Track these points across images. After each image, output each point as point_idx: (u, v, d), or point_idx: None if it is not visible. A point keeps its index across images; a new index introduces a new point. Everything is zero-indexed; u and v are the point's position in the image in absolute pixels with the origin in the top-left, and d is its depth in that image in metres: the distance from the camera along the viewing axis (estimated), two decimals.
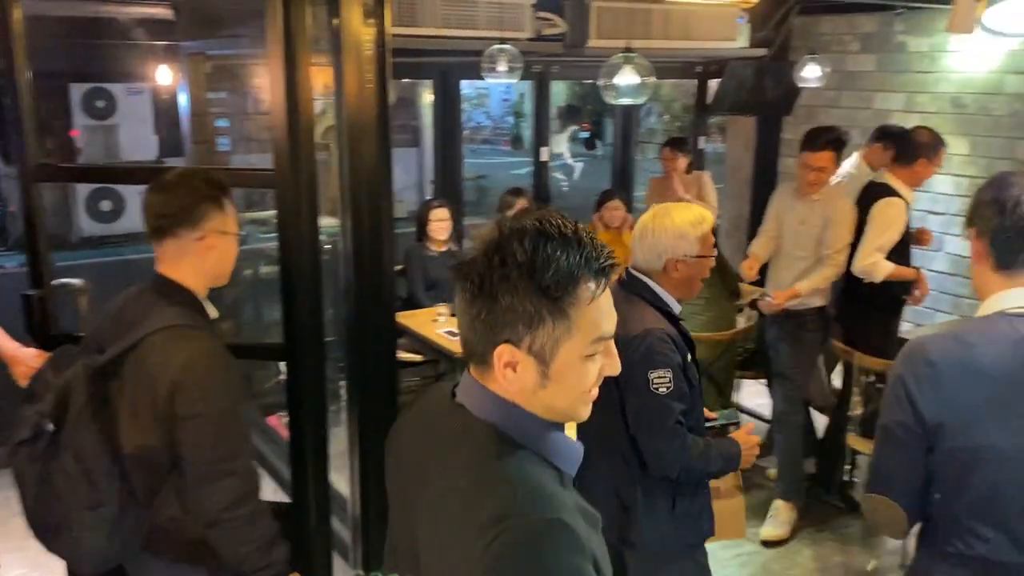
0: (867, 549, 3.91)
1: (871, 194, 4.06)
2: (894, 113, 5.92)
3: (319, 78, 2.65)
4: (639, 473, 2.35)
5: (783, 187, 4.34)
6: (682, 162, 5.62)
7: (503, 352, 1.13)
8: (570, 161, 16.24)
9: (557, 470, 1.17)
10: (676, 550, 2.42)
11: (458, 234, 5.66)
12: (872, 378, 3.64)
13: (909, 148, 4.10)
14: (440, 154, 5.59)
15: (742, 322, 4.42)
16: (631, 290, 2.41)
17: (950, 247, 5.56)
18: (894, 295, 4.08)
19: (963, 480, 1.54)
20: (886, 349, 3.68)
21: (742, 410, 4.88)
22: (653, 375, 2.24)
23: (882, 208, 3.91)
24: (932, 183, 5.67)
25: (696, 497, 2.42)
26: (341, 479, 3.04)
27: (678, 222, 2.38)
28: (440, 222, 4.89)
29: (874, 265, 3.85)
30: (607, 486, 2.38)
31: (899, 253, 3.96)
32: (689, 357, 2.37)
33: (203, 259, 2.08)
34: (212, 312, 2.15)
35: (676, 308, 2.41)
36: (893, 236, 3.91)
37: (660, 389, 2.24)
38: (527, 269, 1.09)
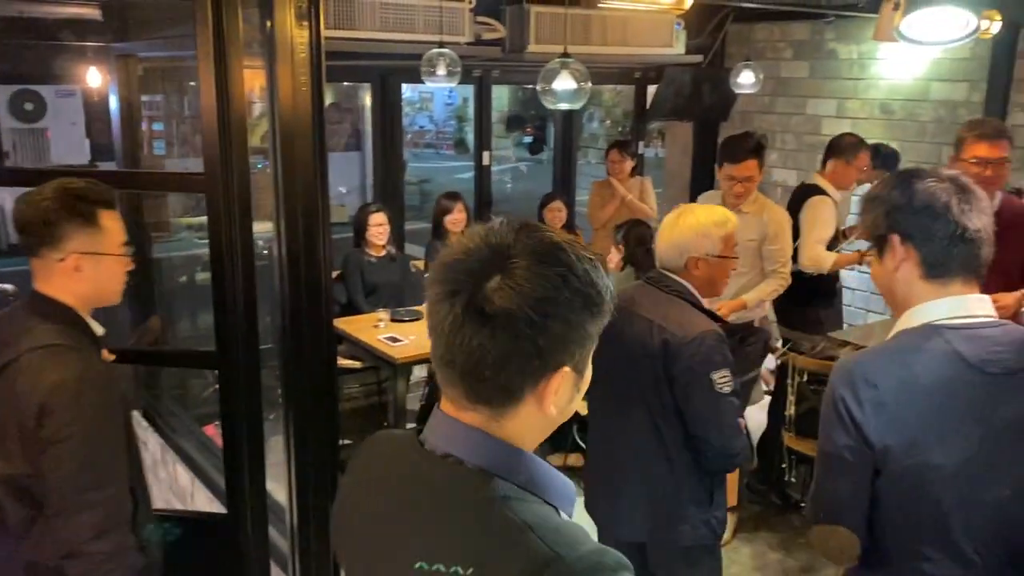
0: (805, 548, 3.99)
1: (802, 195, 4.25)
2: (826, 119, 6.08)
3: (253, 81, 2.60)
4: (685, 471, 2.37)
5: (713, 199, 4.15)
6: (628, 165, 5.71)
7: (563, 376, 1.00)
8: (521, 166, 16.32)
9: (557, 512, 1.03)
10: (709, 543, 2.46)
11: (398, 239, 5.64)
12: (806, 378, 3.72)
13: (829, 152, 4.33)
14: (380, 158, 5.56)
15: None
16: (671, 291, 2.41)
17: None
18: (830, 287, 4.33)
19: (909, 500, 1.49)
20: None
21: None
22: (716, 376, 2.27)
23: (811, 204, 4.12)
24: (863, 186, 5.84)
25: (723, 489, 2.49)
26: (281, 488, 2.99)
27: (702, 220, 2.40)
28: (378, 227, 4.85)
29: (819, 256, 4.03)
30: (639, 489, 2.42)
31: (831, 250, 4.16)
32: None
33: (71, 280, 1.90)
34: (98, 330, 1.98)
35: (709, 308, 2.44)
36: (828, 230, 4.09)
37: (724, 388, 2.28)
38: (584, 285, 0.98)
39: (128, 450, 1.96)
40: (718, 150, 3.99)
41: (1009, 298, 3.06)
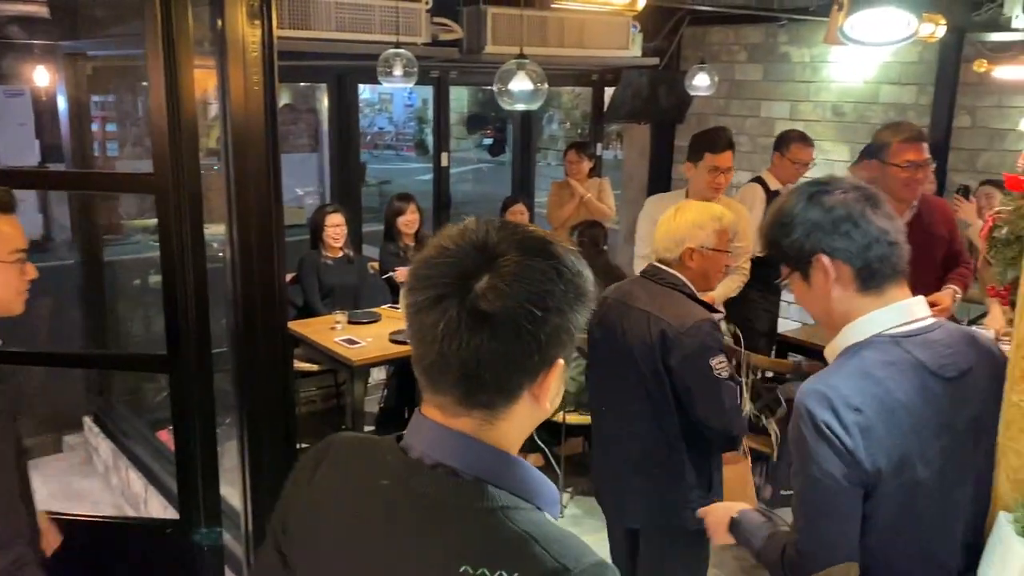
0: None
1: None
2: (779, 121, 6.17)
3: (208, 81, 2.57)
4: (685, 458, 2.46)
5: (663, 200, 4.15)
6: (586, 165, 5.74)
7: (557, 369, 0.98)
8: (482, 167, 16.32)
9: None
10: (703, 528, 2.49)
11: (356, 240, 5.60)
12: (759, 375, 3.77)
13: (774, 146, 4.59)
14: (337, 159, 5.51)
15: None
16: (665, 283, 2.48)
17: None
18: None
19: (898, 518, 1.45)
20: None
21: None
22: (714, 362, 2.36)
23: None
24: None
25: (721, 474, 2.56)
26: (237, 493, 2.95)
27: (699, 213, 2.50)
28: (335, 228, 4.81)
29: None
30: (642, 478, 2.50)
31: None
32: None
33: None
34: None
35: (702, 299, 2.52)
36: (758, 214, 4.29)
37: (722, 374, 2.37)
38: (575, 276, 0.97)
39: (17, 465, 1.88)
40: (693, 144, 3.88)
41: (946, 299, 3.14)
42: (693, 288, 2.48)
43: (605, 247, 4.46)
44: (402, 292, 1.02)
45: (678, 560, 2.58)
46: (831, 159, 5.93)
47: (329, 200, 5.69)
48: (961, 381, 1.47)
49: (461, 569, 0.91)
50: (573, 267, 0.98)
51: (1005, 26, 4.65)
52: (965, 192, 4.52)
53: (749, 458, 3.04)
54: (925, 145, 3.18)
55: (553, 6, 2.94)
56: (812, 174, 5.86)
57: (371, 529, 1.01)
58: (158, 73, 2.33)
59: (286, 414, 2.72)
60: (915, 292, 3.18)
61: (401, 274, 4.70)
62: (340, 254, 4.87)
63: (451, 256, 0.96)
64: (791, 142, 4.55)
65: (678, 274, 2.48)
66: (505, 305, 0.92)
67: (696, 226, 2.47)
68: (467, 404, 0.98)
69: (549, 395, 0.99)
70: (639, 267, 3.74)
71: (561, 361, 0.99)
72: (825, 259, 1.50)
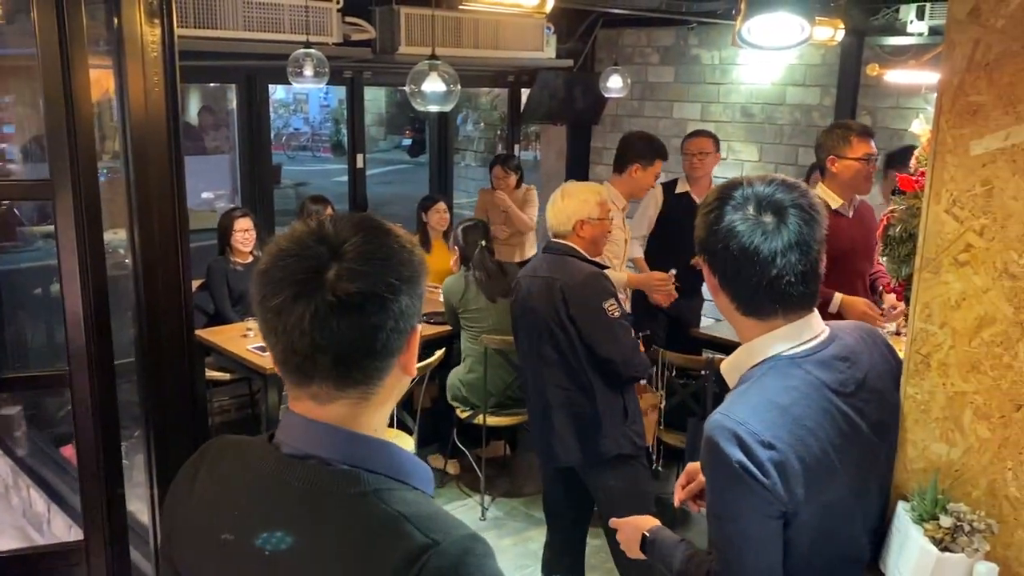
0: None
1: None
2: (691, 122, 6.29)
3: (108, 82, 2.48)
4: (599, 394, 2.85)
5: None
6: (512, 179, 5.70)
7: (416, 334, 1.04)
8: (401, 168, 16.20)
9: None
10: (629, 452, 2.89)
11: (265, 244, 5.46)
12: (675, 372, 3.83)
13: (624, 154, 4.02)
14: (248, 161, 5.37)
15: None
16: (560, 252, 2.92)
17: None
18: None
19: (818, 541, 1.42)
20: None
21: None
22: (605, 304, 2.79)
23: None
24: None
25: (635, 401, 2.98)
26: (146, 510, 2.85)
27: (581, 191, 2.97)
28: (244, 232, 4.67)
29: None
30: (565, 418, 2.90)
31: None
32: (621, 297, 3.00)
33: None
34: None
35: (602, 262, 3.01)
36: (639, 224, 4.56)
37: (614, 314, 2.80)
38: (412, 246, 1.04)
39: None
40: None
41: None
42: (585, 254, 2.92)
43: (486, 246, 4.42)
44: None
45: (618, 484, 2.91)
46: (741, 159, 6.09)
47: (239, 203, 5.54)
48: (860, 391, 1.45)
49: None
50: (406, 239, 1.04)
51: (901, 30, 4.86)
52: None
53: (660, 391, 3.70)
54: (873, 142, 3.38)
55: (463, 7, 2.92)
56: (722, 171, 6.02)
57: (252, 529, 1.01)
58: (51, 73, 2.22)
59: (196, 425, 2.63)
60: (856, 282, 3.23)
61: None
62: (250, 259, 4.73)
63: (295, 254, 0.99)
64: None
65: (571, 244, 2.92)
66: (364, 284, 0.97)
67: (581, 201, 2.92)
68: (343, 387, 1.01)
69: (414, 361, 1.05)
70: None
71: (419, 325, 1.05)
72: (707, 269, 1.46)
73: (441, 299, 4.34)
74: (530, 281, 2.94)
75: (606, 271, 3.00)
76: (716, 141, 4.63)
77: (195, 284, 4.58)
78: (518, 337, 3.05)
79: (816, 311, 1.47)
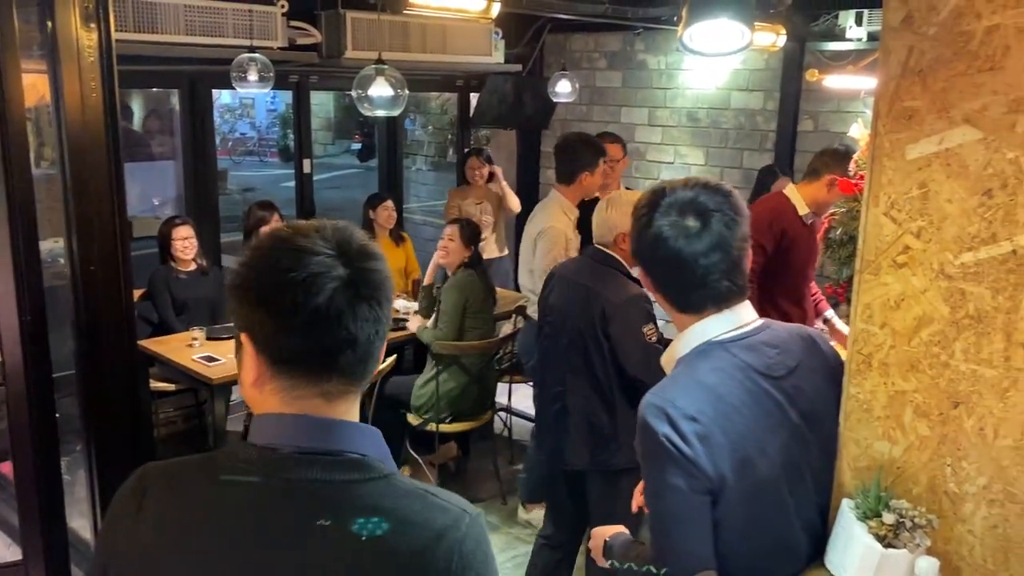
0: None
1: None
2: (639, 127, 6.36)
3: (39, 87, 2.41)
4: (619, 409, 2.84)
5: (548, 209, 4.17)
6: (486, 170, 5.80)
7: None
8: (350, 173, 16.06)
9: None
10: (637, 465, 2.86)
11: (214, 251, 5.36)
12: None
13: (571, 162, 3.85)
14: (192, 167, 5.27)
15: (508, 328, 4.54)
16: (606, 264, 2.91)
17: None
18: None
19: (748, 519, 1.47)
20: None
21: (513, 412, 5.01)
22: (645, 329, 2.77)
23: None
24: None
25: None
26: (88, 526, 2.78)
27: (627, 202, 2.85)
28: (184, 240, 4.55)
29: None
30: (583, 425, 2.91)
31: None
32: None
33: None
34: None
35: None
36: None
37: (652, 339, 2.78)
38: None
39: None
40: (590, 152, 3.84)
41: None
42: (627, 266, 2.89)
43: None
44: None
45: (620, 496, 2.89)
46: (688, 163, 6.17)
47: (184, 209, 5.43)
48: (790, 378, 1.51)
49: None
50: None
51: (841, 36, 4.98)
52: (771, 173, 4.64)
53: None
54: None
55: (409, 12, 2.90)
56: (671, 175, 6.09)
57: (241, 538, 0.99)
58: None
59: (139, 438, 2.58)
60: (802, 287, 3.27)
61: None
62: (192, 267, 4.63)
63: (308, 250, 1.00)
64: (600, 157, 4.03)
65: (614, 254, 2.90)
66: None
67: (623, 214, 2.83)
68: (356, 381, 1.05)
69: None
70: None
71: None
72: (641, 271, 1.57)
73: (444, 318, 4.22)
74: (568, 284, 2.94)
75: None
76: (624, 146, 4.44)
77: (138, 293, 4.49)
78: (542, 329, 3.05)
79: (748, 302, 1.55)
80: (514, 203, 5.86)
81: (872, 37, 4.84)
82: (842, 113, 5.42)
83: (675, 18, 4.79)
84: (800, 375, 1.52)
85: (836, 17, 4.98)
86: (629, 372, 2.81)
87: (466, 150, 6.22)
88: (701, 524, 1.43)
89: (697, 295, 1.50)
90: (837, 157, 3.28)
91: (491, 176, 5.86)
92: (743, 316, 1.53)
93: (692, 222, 1.46)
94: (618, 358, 2.82)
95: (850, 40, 4.93)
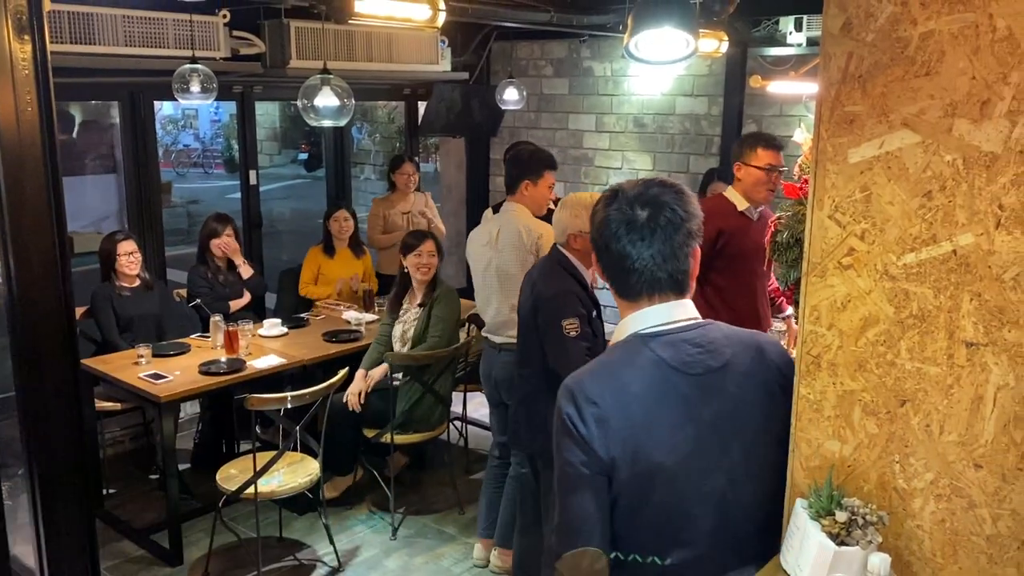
0: None
1: None
2: (587, 133, 6.41)
3: None
4: (551, 396, 2.84)
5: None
6: (417, 178, 5.76)
7: None
8: (298, 183, 15.88)
9: None
10: None
11: (159, 265, 5.26)
12: None
13: (511, 173, 3.81)
14: (134, 180, 5.15)
15: (462, 337, 4.52)
16: (557, 260, 3.06)
17: None
18: None
19: (641, 505, 1.53)
20: None
21: (468, 422, 4.99)
22: (566, 323, 2.88)
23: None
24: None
25: None
26: (31, 553, 2.70)
27: (574, 204, 3.04)
28: (128, 255, 4.44)
29: None
30: (528, 411, 3.08)
31: None
32: (594, 313, 3.01)
33: None
34: None
35: (587, 276, 3.05)
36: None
37: (572, 333, 2.88)
38: None
39: None
40: (531, 161, 3.79)
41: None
42: (580, 264, 3.03)
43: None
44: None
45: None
46: (635, 168, 6.23)
47: (127, 223, 5.30)
48: (708, 377, 1.54)
49: None
50: None
51: (781, 41, 5.07)
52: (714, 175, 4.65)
53: None
54: (782, 155, 3.50)
55: (354, 22, 2.88)
56: (619, 179, 6.14)
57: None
58: None
59: (83, 461, 2.50)
60: (755, 283, 3.35)
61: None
62: (137, 282, 4.52)
63: None
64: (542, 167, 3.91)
65: (567, 254, 3.05)
66: None
67: (573, 215, 3.01)
68: None
69: None
70: None
71: None
72: (594, 256, 1.66)
73: (442, 324, 4.21)
74: (526, 281, 3.14)
75: None
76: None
77: (80, 311, 4.37)
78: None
79: (690, 300, 1.61)
80: (439, 231, 5.80)
81: (812, 42, 4.95)
82: (785, 117, 5.53)
83: (620, 26, 4.84)
84: (724, 377, 1.55)
85: (776, 23, 5.07)
86: (549, 361, 2.95)
87: (396, 155, 6.15)
88: (593, 500, 1.51)
89: (634, 283, 1.58)
90: (737, 146, 3.55)
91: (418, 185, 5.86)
92: (675, 313, 1.58)
93: (639, 212, 1.55)
94: (543, 347, 2.96)
95: (791, 45, 5.03)
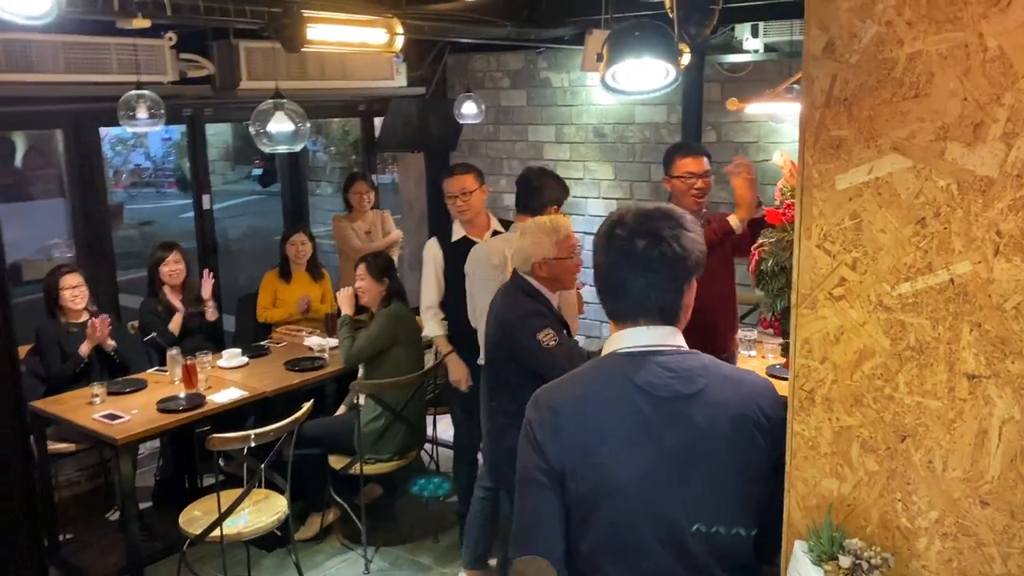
0: None
1: None
2: (547, 144, 6.34)
3: None
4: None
5: (437, 247, 4.11)
6: (372, 196, 5.63)
7: None
8: (256, 200, 15.61)
9: None
10: None
11: (111, 293, 5.06)
12: None
13: (540, 196, 3.79)
14: (82, 206, 4.96)
15: (430, 360, 4.41)
16: (519, 286, 2.95)
17: None
18: None
19: (588, 521, 1.55)
20: None
21: (438, 443, 4.88)
22: (541, 335, 2.78)
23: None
24: (586, 206, 6.15)
25: None
26: None
27: (535, 230, 2.93)
28: (73, 289, 4.24)
29: None
30: (495, 444, 3.01)
31: None
32: (564, 332, 2.91)
33: None
34: None
35: (552, 299, 2.97)
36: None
37: (550, 344, 2.78)
38: None
39: None
40: (559, 188, 3.88)
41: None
42: (544, 289, 2.93)
43: (396, 275, 4.34)
44: None
45: None
46: (597, 178, 6.17)
47: (75, 249, 5.10)
48: (675, 403, 1.54)
49: None
50: None
51: (738, 48, 5.05)
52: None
53: None
54: (703, 158, 3.42)
55: (304, 49, 2.77)
56: (582, 192, 6.09)
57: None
58: None
59: (32, 506, 2.37)
60: (704, 294, 3.19)
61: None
62: (84, 317, 4.31)
63: None
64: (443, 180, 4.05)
65: (530, 280, 2.94)
66: None
67: (535, 244, 2.90)
68: None
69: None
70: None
71: None
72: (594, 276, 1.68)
73: (338, 340, 4.15)
74: (490, 311, 3.03)
75: None
76: (479, 174, 4.03)
77: (25, 349, 4.17)
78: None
79: (675, 329, 1.61)
80: (389, 243, 5.69)
81: (768, 48, 4.94)
82: (744, 124, 5.51)
83: (582, 37, 4.78)
84: (692, 405, 1.54)
85: (732, 30, 5.05)
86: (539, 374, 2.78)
87: (350, 174, 6.02)
88: (545, 507, 1.56)
89: (624, 308, 1.60)
90: (664, 158, 3.55)
91: (375, 204, 5.73)
92: (658, 338, 1.58)
93: (637, 243, 1.55)
94: (528, 374, 2.81)
95: (747, 52, 5.01)
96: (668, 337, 1.59)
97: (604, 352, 1.64)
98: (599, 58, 1.94)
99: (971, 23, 1.22)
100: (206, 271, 4.94)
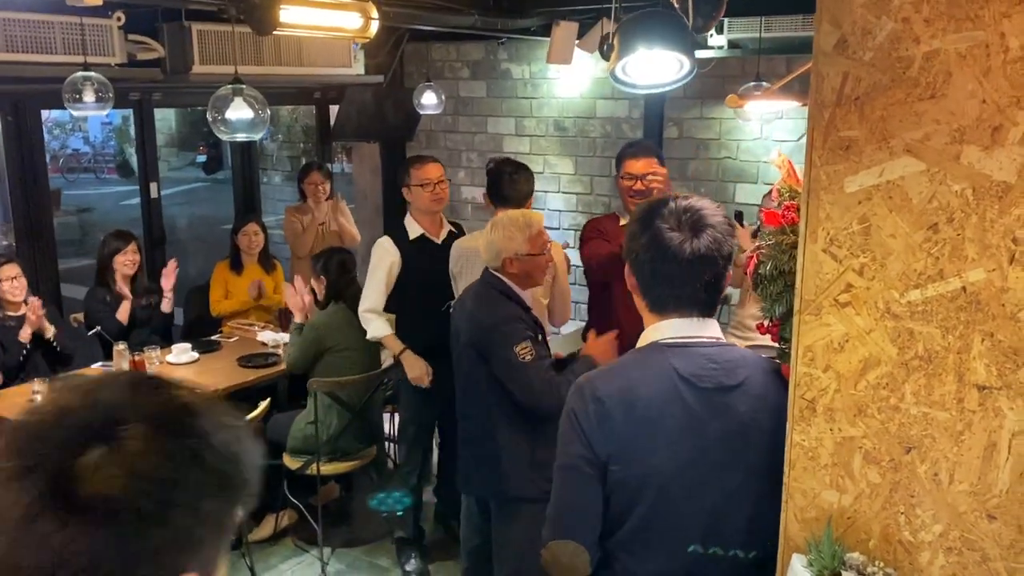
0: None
1: None
2: (507, 136, 6.26)
3: None
4: (510, 432, 2.77)
5: (391, 246, 3.82)
6: (328, 186, 5.45)
7: None
8: (198, 187, 15.22)
9: None
10: (535, 495, 2.64)
11: (52, 282, 4.84)
12: None
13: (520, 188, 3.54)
14: (21, 191, 4.72)
15: (388, 359, 4.30)
16: (491, 285, 2.83)
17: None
18: None
19: (627, 509, 1.57)
20: None
21: (396, 441, 4.77)
22: (518, 349, 2.68)
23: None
24: (546, 200, 6.09)
25: (546, 450, 2.76)
26: None
27: (507, 224, 2.83)
28: (11, 281, 4.01)
29: None
30: (473, 453, 2.88)
31: None
32: (540, 336, 2.82)
33: None
34: None
35: (526, 298, 2.86)
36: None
37: (526, 358, 2.67)
38: (222, 461, 0.75)
39: None
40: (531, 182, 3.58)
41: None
42: (517, 287, 2.83)
43: (355, 274, 4.20)
44: None
45: (519, 525, 2.80)
46: (557, 172, 6.12)
47: (14, 235, 4.86)
48: (719, 395, 1.55)
49: None
50: (223, 449, 0.76)
51: (703, 44, 5.03)
52: (739, 218, 4.13)
53: None
54: (652, 159, 3.35)
55: (275, 33, 2.64)
56: (541, 185, 6.02)
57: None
58: None
59: None
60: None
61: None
62: (22, 309, 4.10)
63: (64, 416, 0.72)
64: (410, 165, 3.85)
65: (502, 277, 2.84)
66: (107, 493, 0.68)
67: (507, 239, 2.81)
68: None
69: None
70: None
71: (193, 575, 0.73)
72: (628, 269, 1.66)
73: (288, 336, 4.01)
74: (459, 308, 2.91)
75: None
76: (440, 164, 3.82)
77: None
78: (454, 364, 2.99)
79: (713, 320, 1.63)
80: (351, 237, 5.53)
81: (732, 44, 4.92)
82: (706, 119, 5.50)
83: (548, 28, 4.71)
84: (736, 397, 1.56)
85: None
86: (516, 397, 2.73)
87: (306, 163, 5.83)
88: (585, 494, 1.57)
89: (665, 297, 1.60)
90: (616, 156, 3.48)
91: (331, 194, 5.56)
92: (698, 329, 1.60)
93: (685, 233, 1.55)
94: (499, 382, 2.75)
95: (712, 48, 5.00)
96: (707, 328, 1.62)
97: (642, 342, 1.64)
98: (608, 49, 1.86)
99: (993, 22, 1.17)
100: (172, 261, 4.74)
